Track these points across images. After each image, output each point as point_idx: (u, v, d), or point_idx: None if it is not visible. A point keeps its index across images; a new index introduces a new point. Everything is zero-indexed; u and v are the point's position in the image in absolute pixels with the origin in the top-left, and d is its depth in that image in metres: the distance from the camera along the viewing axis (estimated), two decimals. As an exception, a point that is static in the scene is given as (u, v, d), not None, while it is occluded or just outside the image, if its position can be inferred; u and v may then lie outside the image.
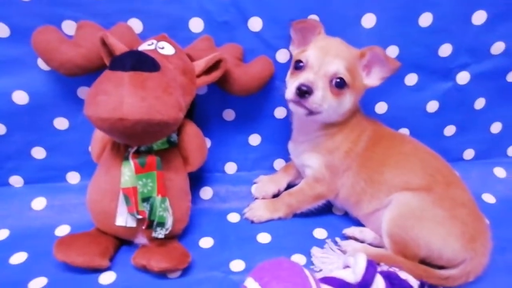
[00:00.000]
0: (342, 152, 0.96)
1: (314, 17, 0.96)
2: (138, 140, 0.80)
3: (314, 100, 0.85)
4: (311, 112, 0.88)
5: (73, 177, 1.07)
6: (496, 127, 1.19)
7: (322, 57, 0.87)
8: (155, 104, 0.74)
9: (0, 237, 0.96)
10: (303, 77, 0.87)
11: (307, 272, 0.70)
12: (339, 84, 0.88)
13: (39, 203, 1.03)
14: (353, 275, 0.75)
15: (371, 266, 0.76)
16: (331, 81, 0.87)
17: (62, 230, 0.98)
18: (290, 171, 1.11)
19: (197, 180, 1.10)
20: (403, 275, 0.81)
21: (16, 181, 1.05)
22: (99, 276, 0.85)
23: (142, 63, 0.75)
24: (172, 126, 0.80)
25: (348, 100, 0.91)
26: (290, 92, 0.87)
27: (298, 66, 0.90)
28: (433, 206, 0.85)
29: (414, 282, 0.81)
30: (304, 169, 1.02)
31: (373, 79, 0.93)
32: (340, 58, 0.87)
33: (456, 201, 0.87)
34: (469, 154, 1.22)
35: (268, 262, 0.72)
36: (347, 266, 0.79)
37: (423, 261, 0.87)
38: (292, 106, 0.90)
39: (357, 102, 0.97)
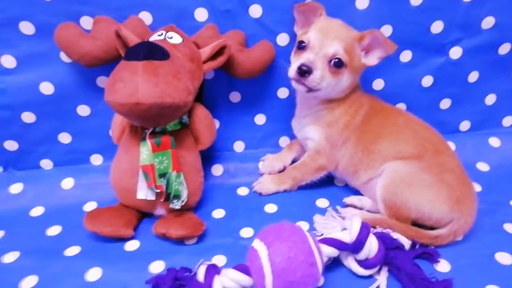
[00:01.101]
0: (341, 125, 1.04)
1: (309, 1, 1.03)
2: (153, 122, 0.90)
3: (313, 79, 0.94)
4: (310, 89, 0.96)
5: (96, 159, 1.18)
6: (490, 99, 1.24)
7: (322, 39, 0.94)
8: (167, 88, 0.83)
9: (36, 213, 1.08)
10: (304, 57, 0.95)
11: (306, 232, 0.80)
12: (337, 64, 0.95)
13: (67, 183, 1.14)
14: (349, 235, 0.84)
15: (365, 227, 0.85)
16: (330, 61, 0.95)
17: (90, 206, 1.09)
18: (294, 148, 1.20)
19: (208, 158, 1.20)
20: (395, 235, 0.91)
21: (46, 164, 1.16)
22: (124, 244, 0.96)
23: (154, 52, 0.84)
24: (182, 109, 0.89)
25: (346, 78, 0.98)
26: (292, 70, 0.95)
27: (301, 46, 0.98)
28: (422, 172, 0.93)
29: (405, 241, 0.90)
30: (306, 142, 1.11)
31: (371, 59, 0.99)
32: (338, 40, 0.94)
33: (443, 167, 0.94)
34: (465, 125, 1.27)
35: (272, 225, 0.82)
36: (344, 229, 0.89)
37: (415, 223, 0.95)
38: (293, 83, 0.98)
39: (357, 80, 1.04)
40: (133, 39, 0.92)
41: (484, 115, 1.26)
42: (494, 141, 1.27)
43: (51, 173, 1.16)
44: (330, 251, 0.84)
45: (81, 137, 1.14)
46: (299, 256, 0.75)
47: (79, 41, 0.95)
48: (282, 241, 0.76)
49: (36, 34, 0.98)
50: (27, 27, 0.97)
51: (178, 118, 0.95)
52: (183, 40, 0.95)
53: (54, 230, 1.01)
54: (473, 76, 1.19)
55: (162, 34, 0.94)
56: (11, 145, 1.11)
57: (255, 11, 1.03)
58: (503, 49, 1.16)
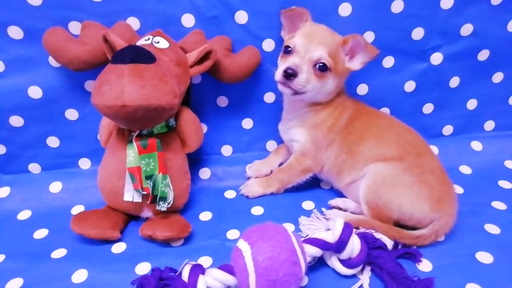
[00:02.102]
0: (326, 127, 1.06)
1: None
2: (139, 124, 0.91)
3: (298, 82, 0.96)
4: (296, 92, 0.99)
5: (84, 163, 1.19)
6: (472, 104, 1.27)
7: (307, 43, 0.97)
8: (152, 91, 0.84)
9: (23, 216, 1.08)
10: (290, 61, 0.98)
11: (289, 232, 0.81)
12: (322, 68, 0.98)
13: (55, 187, 1.15)
14: (332, 235, 0.86)
15: (347, 227, 0.86)
16: (315, 65, 0.98)
17: (77, 209, 1.10)
18: (281, 153, 1.22)
19: (196, 162, 1.21)
20: (378, 235, 0.92)
21: (34, 168, 1.16)
22: (111, 246, 0.96)
23: (140, 56, 0.85)
24: (168, 111, 0.91)
25: (331, 82, 1.01)
26: (278, 74, 0.98)
27: (287, 50, 1.00)
28: (403, 173, 0.95)
29: (388, 241, 0.92)
30: (292, 144, 1.13)
31: (355, 63, 1.02)
32: (323, 45, 0.97)
33: (424, 168, 0.97)
34: (448, 130, 1.30)
35: (256, 226, 0.83)
36: (328, 229, 0.90)
37: (397, 224, 0.97)
38: (280, 86, 1.00)
39: (342, 84, 1.06)
40: (120, 44, 0.94)
41: (466, 119, 1.29)
42: (476, 145, 1.29)
43: (39, 177, 1.16)
44: (313, 251, 0.85)
45: (69, 141, 1.15)
46: (282, 255, 0.76)
47: (67, 46, 0.96)
48: (266, 241, 0.78)
49: (24, 38, 1.00)
50: (15, 32, 0.99)
51: (165, 121, 0.97)
52: (169, 45, 0.97)
53: (41, 233, 1.02)
54: (454, 82, 1.23)
55: (149, 39, 0.96)
56: (-2, 149, 1.11)
57: (241, 17, 1.06)
58: (482, 55, 1.19)
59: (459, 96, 1.25)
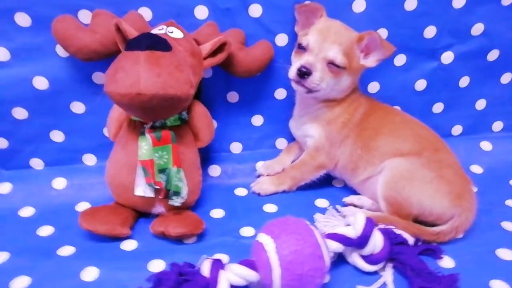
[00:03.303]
0: (340, 123, 1.04)
1: (308, 3, 1.04)
2: (153, 115, 0.88)
3: (312, 80, 0.95)
4: (310, 90, 0.97)
5: (89, 159, 1.14)
6: (480, 104, 1.28)
7: (322, 41, 0.96)
8: (169, 79, 0.81)
9: (26, 213, 1.03)
10: (303, 59, 0.96)
11: (311, 225, 0.79)
12: (337, 67, 0.96)
13: (59, 183, 1.10)
14: (354, 230, 0.84)
15: (370, 222, 0.84)
16: (329, 63, 0.96)
17: (83, 206, 1.05)
18: (293, 151, 1.20)
19: (205, 160, 1.18)
20: (398, 231, 0.90)
21: (36, 163, 1.11)
22: (120, 243, 0.92)
23: (156, 43, 0.82)
24: (184, 101, 0.88)
25: (345, 79, 1.00)
26: (292, 72, 0.97)
27: (301, 47, 0.99)
28: (422, 168, 0.94)
29: (409, 237, 0.90)
30: (305, 140, 1.10)
31: (370, 60, 1.01)
32: (337, 44, 0.95)
33: (442, 163, 0.96)
34: (457, 130, 1.30)
35: (276, 220, 0.80)
36: (348, 225, 0.88)
37: (416, 220, 0.95)
38: (293, 84, 0.99)
39: (356, 81, 1.05)
40: (133, 33, 0.90)
41: (475, 119, 1.30)
42: (486, 145, 1.30)
43: (42, 173, 1.11)
44: (335, 246, 0.82)
45: (74, 136, 1.11)
46: (307, 248, 0.73)
47: (76, 34, 0.93)
48: (289, 234, 0.75)
49: (32, 26, 0.96)
50: (23, 19, 0.95)
51: (178, 114, 0.94)
52: (183, 36, 0.95)
53: (45, 230, 0.97)
54: (464, 81, 1.23)
55: (162, 28, 0.93)
56: (0, 143, 1.06)
57: (255, 10, 1.04)
58: (492, 56, 1.20)
59: (469, 96, 1.26)
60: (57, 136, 1.09)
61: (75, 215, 0.99)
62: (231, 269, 0.76)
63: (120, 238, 0.93)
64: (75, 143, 1.11)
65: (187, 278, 0.73)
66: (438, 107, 1.26)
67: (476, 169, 1.23)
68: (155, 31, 0.93)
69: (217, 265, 0.76)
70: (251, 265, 0.76)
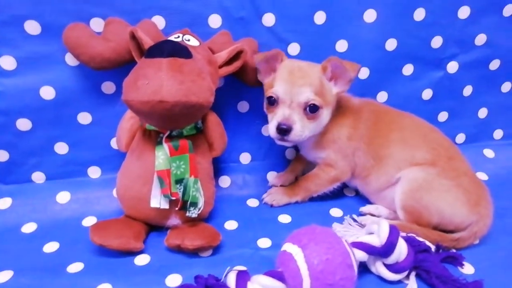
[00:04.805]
0: (344, 138, 1.03)
1: (320, 12, 1.05)
2: (173, 123, 0.86)
3: (295, 134, 0.92)
4: (296, 142, 0.96)
5: (94, 172, 1.10)
6: (483, 113, 1.30)
7: (290, 89, 0.92)
8: (192, 87, 0.80)
9: (29, 229, 0.98)
10: (279, 114, 0.93)
11: (338, 234, 0.77)
12: (313, 109, 0.94)
13: (63, 197, 1.06)
14: (378, 238, 0.82)
15: (394, 229, 0.83)
16: (305, 108, 0.93)
17: (89, 221, 1.01)
18: (303, 159, 1.17)
19: (215, 170, 1.14)
20: (420, 239, 0.90)
21: (38, 177, 1.06)
22: (133, 258, 0.88)
23: (178, 50, 0.81)
24: (204, 109, 0.86)
25: (325, 116, 0.97)
26: (271, 131, 0.94)
27: (271, 101, 0.95)
28: (439, 178, 0.94)
29: (430, 244, 0.89)
30: (316, 160, 1.09)
31: (341, 85, 0.97)
32: (307, 86, 0.92)
33: (458, 171, 0.96)
34: (461, 138, 1.32)
35: (302, 229, 0.79)
36: (370, 233, 0.87)
37: (435, 229, 0.94)
38: (277, 141, 0.96)
39: (334, 103, 1.00)
40: (147, 42, 0.89)
41: (478, 128, 1.32)
42: (489, 153, 1.32)
43: (44, 187, 1.07)
44: (360, 255, 0.81)
45: (79, 148, 1.07)
46: (337, 257, 0.72)
47: (90, 42, 0.90)
48: (318, 243, 0.73)
49: (41, 34, 0.93)
50: (32, 27, 0.92)
51: (194, 123, 0.92)
52: (199, 44, 0.94)
53: (51, 247, 0.93)
54: (468, 90, 1.26)
55: (179, 36, 0.92)
56: (1, 156, 1.01)
57: (269, 19, 1.04)
58: (493, 65, 1.23)
59: (472, 104, 1.28)
60: (61, 148, 1.05)
61: (81, 230, 0.96)
62: (258, 280, 0.73)
63: (132, 253, 0.89)
64: (80, 155, 1.08)
65: (214, 291, 0.70)
66: (443, 116, 1.28)
67: (482, 176, 1.25)
68: (171, 39, 0.92)
69: (244, 277, 0.73)
70: (278, 276, 0.73)
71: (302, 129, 0.92)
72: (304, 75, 0.93)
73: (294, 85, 0.92)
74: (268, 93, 0.96)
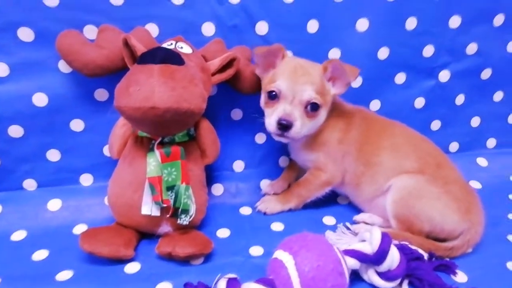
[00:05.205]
0: (335, 141, 1.03)
1: (313, 21, 1.06)
2: (164, 130, 0.86)
3: (295, 131, 0.92)
4: (293, 139, 0.96)
5: (86, 179, 1.09)
6: (475, 121, 1.31)
7: (293, 85, 0.92)
8: (183, 93, 0.80)
9: (18, 237, 0.97)
10: (280, 110, 0.92)
11: (330, 242, 0.77)
12: (314, 108, 0.94)
13: (54, 204, 1.05)
14: (370, 246, 0.82)
15: (386, 237, 0.82)
16: (306, 106, 0.94)
17: (80, 229, 1.00)
18: (296, 167, 1.18)
19: (207, 178, 1.14)
20: (413, 247, 0.89)
21: (29, 184, 1.06)
22: (123, 266, 0.87)
23: (170, 57, 0.81)
24: (196, 116, 0.86)
25: (322, 115, 0.98)
26: (271, 126, 0.93)
27: (272, 95, 0.95)
28: (428, 185, 0.94)
29: (423, 252, 0.89)
30: (306, 163, 1.09)
31: (339, 87, 0.98)
32: (309, 84, 0.92)
33: (447, 179, 0.96)
34: (454, 146, 1.33)
35: (294, 236, 0.78)
36: (362, 241, 0.86)
37: (428, 237, 0.94)
38: (275, 137, 0.96)
39: (330, 104, 1.01)
40: (141, 49, 0.89)
41: (471, 136, 1.33)
42: (482, 161, 1.32)
43: (35, 194, 1.06)
44: (352, 263, 0.80)
45: (71, 155, 1.06)
46: (329, 264, 0.71)
47: (83, 49, 0.91)
48: (309, 250, 0.73)
49: (34, 41, 0.94)
50: (26, 34, 0.92)
51: (186, 130, 0.92)
52: (193, 51, 0.94)
53: (40, 255, 0.91)
54: (460, 99, 1.27)
55: (172, 44, 0.93)
56: (-8, 163, 1.01)
57: (262, 28, 1.05)
58: (485, 74, 1.25)
59: (464, 113, 1.29)
60: (53, 155, 1.05)
61: (71, 237, 0.95)
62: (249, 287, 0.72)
63: (123, 261, 0.88)
64: (72, 163, 1.07)
65: (204, 299, 0.69)
66: (436, 124, 1.28)
67: (475, 184, 1.25)
68: (165, 46, 0.92)
69: (234, 284, 0.72)
70: (269, 283, 0.73)
71: (301, 126, 0.92)
72: (307, 73, 0.94)
73: (297, 82, 0.92)
74: (270, 87, 0.95)
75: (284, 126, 0.91)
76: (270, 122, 0.93)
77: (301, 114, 0.93)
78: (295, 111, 0.92)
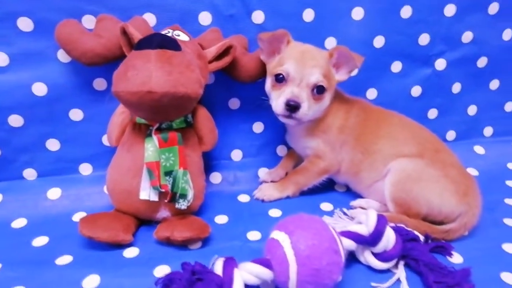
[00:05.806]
0: (335, 129, 1.04)
1: (309, 10, 1.07)
2: (162, 115, 0.86)
3: (302, 112, 0.94)
4: (299, 121, 0.97)
5: (85, 168, 1.10)
6: (472, 110, 1.32)
7: (301, 69, 0.94)
8: (180, 78, 0.81)
9: (19, 224, 0.98)
10: (288, 91, 0.94)
11: (326, 221, 0.77)
12: (320, 90, 0.97)
13: (54, 193, 1.06)
14: (366, 227, 0.83)
15: (382, 219, 0.83)
16: (312, 89, 0.96)
17: (80, 216, 0.99)
18: (294, 155, 1.19)
19: (206, 167, 1.15)
20: (409, 229, 0.90)
21: (29, 174, 1.07)
22: (122, 251, 0.88)
23: (167, 42, 0.83)
24: (193, 101, 0.87)
25: (326, 99, 1.00)
26: (279, 107, 0.95)
27: (279, 78, 0.97)
28: (427, 168, 0.95)
29: (419, 234, 0.90)
30: (304, 151, 1.10)
31: (342, 74, 1.01)
32: (317, 67, 0.95)
33: (445, 163, 0.97)
34: (451, 135, 1.34)
35: (290, 217, 0.79)
36: (359, 223, 0.87)
37: (425, 220, 0.95)
38: (282, 119, 0.98)
39: (333, 90, 1.03)
40: (138, 37, 0.90)
41: (468, 125, 1.33)
42: (479, 149, 1.33)
43: (35, 184, 1.07)
44: (348, 244, 0.81)
45: (71, 144, 1.08)
46: (324, 243, 0.72)
47: (81, 38, 0.92)
48: (304, 229, 0.74)
49: (34, 31, 0.95)
50: (25, 23, 0.94)
51: (183, 116, 0.93)
52: (189, 39, 0.95)
53: (40, 241, 0.93)
54: (456, 87, 1.27)
55: (169, 32, 0.94)
56: (-8, 152, 1.02)
57: (258, 17, 1.06)
58: (481, 63, 1.25)
59: (461, 102, 1.30)
60: (52, 144, 1.06)
61: (71, 225, 0.96)
62: (245, 267, 0.73)
63: (122, 246, 0.89)
64: (71, 152, 1.08)
65: (200, 277, 0.70)
66: (432, 113, 1.29)
67: (473, 172, 1.25)
68: (161, 33, 0.93)
69: (231, 264, 0.73)
70: (265, 263, 0.73)
71: (308, 108, 0.94)
72: (315, 57, 0.96)
73: (305, 65, 0.94)
74: (277, 70, 0.97)
75: (293, 107, 0.93)
76: (278, 103, 0.95)
77: (308, 96, 0.95)
78: (303, 93, 0.94)
